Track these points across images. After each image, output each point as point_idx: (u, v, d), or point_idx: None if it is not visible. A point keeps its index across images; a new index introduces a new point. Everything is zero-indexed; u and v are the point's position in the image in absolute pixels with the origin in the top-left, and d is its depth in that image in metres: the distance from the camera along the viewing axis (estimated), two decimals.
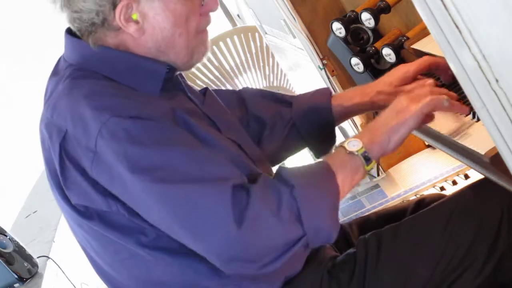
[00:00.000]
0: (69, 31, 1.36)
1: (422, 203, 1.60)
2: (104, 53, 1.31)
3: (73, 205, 1.28)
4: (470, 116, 1.38)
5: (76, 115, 1.23)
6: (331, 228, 1.23)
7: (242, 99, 1.66)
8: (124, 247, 1.28)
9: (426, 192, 2.36)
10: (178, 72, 1.40)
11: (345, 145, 1.27)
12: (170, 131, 1.24)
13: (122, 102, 1.24)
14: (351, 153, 1.26)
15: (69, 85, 1.28)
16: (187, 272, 1.29)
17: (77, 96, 1.25)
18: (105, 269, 1.36)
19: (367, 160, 1.26)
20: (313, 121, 1.62)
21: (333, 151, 1.35)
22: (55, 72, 1.37)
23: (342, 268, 1.38)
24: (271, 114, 1.64)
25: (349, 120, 2.43)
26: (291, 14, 2.26)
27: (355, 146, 1.26)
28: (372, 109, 1.62)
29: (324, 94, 1.64)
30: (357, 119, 2.43)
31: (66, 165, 1.25)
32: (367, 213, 1.72)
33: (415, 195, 2.35)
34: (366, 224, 1.60)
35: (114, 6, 1.26)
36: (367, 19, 1.83)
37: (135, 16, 1.27)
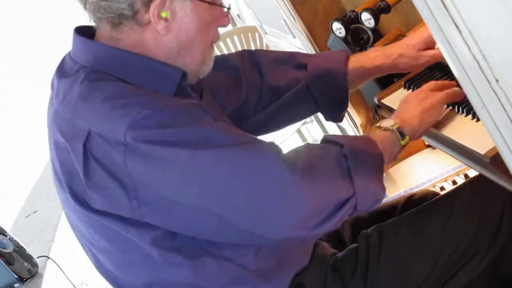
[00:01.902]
0: (78, 31, 1.34)
1: (411, 199, 1.60)
2: (118, 55, 1.29)
3: (87, 207, 1.25)
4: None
5: (100, 116, 1.21)
6: (379, 190, 1.26)
7: (257, 63, 1.64)
8: (137, 246, 1.26)
9: None
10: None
11: (379, 124, 1.34)
12: (200, 115, 1.24)
13: (147, 98, 1.23)
14: (386, 129, 1.33)
15: (88, 88, 1.26)
16: (200, 273, 1.28)
17: (99, 98, 1.23)
18: (112, 270, 1.34)
19: (402, 135, 1.33)
20: (327, 85, 1.61)
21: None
22: (63, 72, 1.34)
23: (345, 263, 1.39)
24: (287, 81, 1.63)
25: (349, 120, 2.43)
26: (291, 14, 2.26)
27: (389, 123, 1.34)
28: (393, 71, 1.63)
29: (340, 58, 1.63)
30: (357, 119, 2.43)
31: (91, 165, 1.21)
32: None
33: None
34: (358, 222, 1.60)
35: (150, 0, 1.25)
36: (367, 19, 1.83)
37: (164, 14, 1.26)
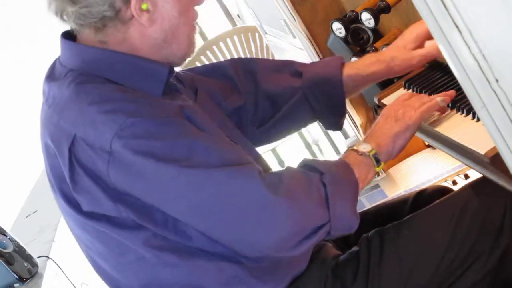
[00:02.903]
0: (64, 35, 1.35)
1: (422, 195, 1.60)
2: (105, 56, 1.30)
3: (78, 210, 1.27)
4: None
5: (86, 120, 1.22)
6: (353, 218, 1.28)
7: (251, 72, 1.64)
8: (130, 249, 1.28)
9: None
10: (174, 74, 1.41)
11: (356, 148, 1.35)
12: (185, 126, 1.25)
13: (134, 104, 1.23)
14: (363, 154, 1.34)
15: (75, 90, 1.26)
16: (194, 274, 1.29)
17: (86, 101, 1.24)
18: (109, 272, 1.35)
19: (377, 161, 1.34)
20: (323, 92, 1.62)
21: (343, 154, 1.38)
22: (53, 76, 1.35)
23: (346, 267, 1.39)
24: (282, 88, 1.63)
25: (349, 120, 2.43)
26: (291, 14, 2.26)
27: (365, 148, 1.34)
28: (390, 76, 1.63)
29: (335, 65, 1.64)
30: (357, 119, 2.43)
31: (76, 171, 1.23)
32: (363, 209, 1.72)
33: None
34: (365, 220, 1.59)
35: None
36: (367, 19, 1.83)
37: (145, 6, 1.27)
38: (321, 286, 1.37)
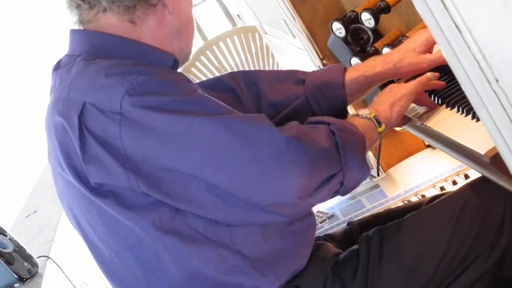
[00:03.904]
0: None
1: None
2: (113, 40, 1.33)
3: (87, 185, 1.26)
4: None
5: (96, 85, 1.24)
6: (364, 166, 1.31)
7: (253, 83, 1.66)
8: (133, 232, 1.27)
9: (426, 192, 2.36)
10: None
11: (357, 112, 1.42)
12: (194, 88, 1.28)
13: (145, 67, 1.26)
14: (363, 117, 1.41)
15: (84, 64, 1.30)
16: (195, 260, 1.28)
17: (95, 70, 1.27)
18: (109, 259, 1.34)
19: (379, 123, 1.41)
20: (324, 96, 1.63)
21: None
22: (59, 66, 1.38)
23: (345, 265, 1.39)
24: (286, 97, 1.64)
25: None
26: (291, 14, 2.26)
27: (365, 112, 1.42)
28: (395, 77, 1.63)
29: (338, 69, 1.65)
30: None
31: (86, 139, 1.24)
32: (368, 213, 1.72)
33: (415, 195, 2.35)
34: (372, 223, 1.59)
35: None
36: (367, 19, 1.83)
37: None
38: (321, 283, 1.37)
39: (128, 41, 1.33)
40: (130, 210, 1.24)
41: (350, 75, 1.62)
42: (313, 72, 1.70)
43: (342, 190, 1.31)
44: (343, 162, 1.27)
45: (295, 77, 1.67)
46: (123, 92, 1.20)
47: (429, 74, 1.51)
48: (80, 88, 1.26)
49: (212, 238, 1.28)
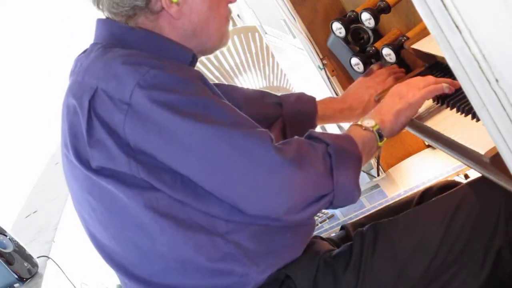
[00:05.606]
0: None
1: (429, 192, 1.60)
2: (132, 32, 1.37)
3: (87, 167, 1.30)
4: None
5: (110, 72, 1.28)
6: (355, 190, 1.33)
7: (233, 99, 1.66)
8: (132, 213, 1.30)
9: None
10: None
11: (360, 123, 1.42)
12: (203, 88, 1.30)
13: (158, 61, 1.30)
14: (366, 129, 1.41)
15: (102, 51, 1.35)
16: (188, 245, 1.30)
17: (112, 57, 1.31)
18: (107, 242, 1.37)
19: (380, 136, 1.40)
20: (299, 124, 1.73)
21: (348, 128, 1.44)
22: (83, 53, 1.43)
23: (338, 258, 1.40)
24: (264, 116, 1.70)
25: None
26: (291, 14, 2.26)
27: (369, 123, 1.41)
28: (350, 118, 1.79)
29: (310, 100, 1.78)
30: None
31: (93, 123, 1.28)
32: (362, 216, 1.73)
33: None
34: (365, 225, 1.59)
35: None
36: (367, 19, 1.83)
37: None
38: (312, 274, 1.37)
39: (148, 34, 1.36)
40: (129, 187, 1.28)
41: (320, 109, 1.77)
42: (286, 96, 1.80)
43: (331, 207, 1.35)
44: (335, 185, 1.30)
45: (270, 98, 1.77)
46: (135, 84, 1.24)
47: (445, 85, 1.47)
48: (95, 73, 1.31)
49: (207, 227, 1.30)
